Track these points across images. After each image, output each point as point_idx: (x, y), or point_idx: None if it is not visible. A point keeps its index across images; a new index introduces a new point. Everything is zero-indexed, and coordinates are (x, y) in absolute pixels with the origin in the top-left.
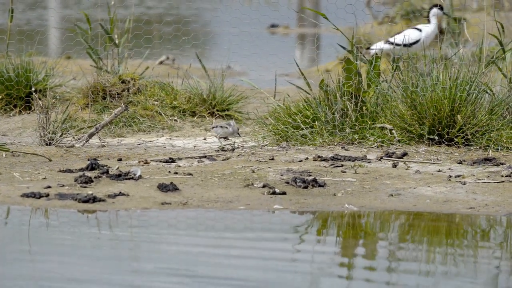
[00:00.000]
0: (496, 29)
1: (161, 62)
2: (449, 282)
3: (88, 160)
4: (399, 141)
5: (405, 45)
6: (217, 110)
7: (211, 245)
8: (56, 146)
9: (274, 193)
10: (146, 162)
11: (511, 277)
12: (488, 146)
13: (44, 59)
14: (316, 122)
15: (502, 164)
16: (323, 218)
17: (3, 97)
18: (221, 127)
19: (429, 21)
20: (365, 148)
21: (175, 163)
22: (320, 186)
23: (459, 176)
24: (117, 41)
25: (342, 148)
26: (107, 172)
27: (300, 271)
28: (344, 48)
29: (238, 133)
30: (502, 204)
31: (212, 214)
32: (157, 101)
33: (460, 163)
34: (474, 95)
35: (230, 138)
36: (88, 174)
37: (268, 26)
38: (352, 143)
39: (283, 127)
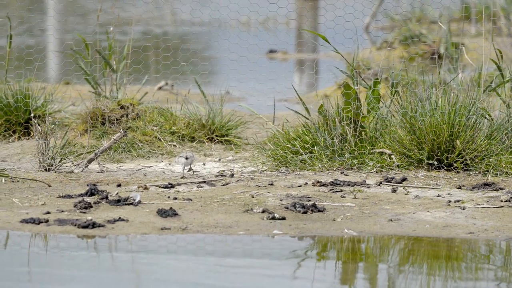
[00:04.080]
0: (495, 54)
1: (160, 88)
2: None
3: (88, 185)
4: (398, 166)
5: None
6: (216, 136)
7: (211, 270)
8: (55, 172)
9: (273, 218)
10: (146, 188)
11: None
12: (488, 171)
13: (43, 85)
14: (315, 147)
15: (502, 189)
16: (322, 243)
17: (2, 123)
18: (192, 156)
19: None
20: (364, 173)
21: (174, 189)
22: (319, 211)
23: (458, 201)
24: (115, 67)
25: (341, 173)
26: (106, 197)
27: None
28: (344, 72)
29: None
30: (501, 229)
31: (211, 239)
32: (156, 126)
33: (460, 188)
34: (473, 120)
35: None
36: (88, 199)
37: (266, 52)
38: (351, 168)
39: (282, 153)
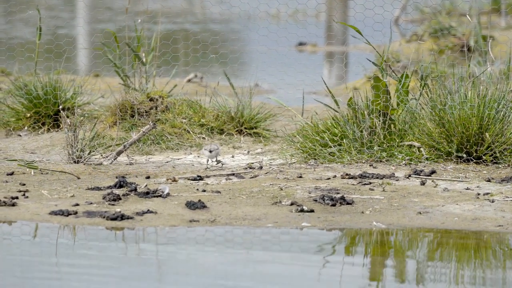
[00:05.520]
0: None
1: (189, 80)
2: None
3: (116, 177)
4: (427, 159)
5: None
6: (245, 128)
7: (240, 262)
8: (84, 164)
9: (302, 210)
10: (174, 180)
11: None
12: None
13: (72, 77)
14: (344, 140)
15: None
16: (351, 236)
17: (32, 115)
18: (216, 148)
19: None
20: (393, 166)
21: (203, 181)
22: (348, 203)
23: (487, 194)
24: (144, 59)
25: (370, 165)
26: (135, 189)
27: None
28: (375, 64)
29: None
30: None
31: (240, 232)
32: (185, 119)
33: (489, 181)
34: (502, 113)
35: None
36: (116, 191)
37: (296, 44)
38: (380, 161)
39: (311, 145)
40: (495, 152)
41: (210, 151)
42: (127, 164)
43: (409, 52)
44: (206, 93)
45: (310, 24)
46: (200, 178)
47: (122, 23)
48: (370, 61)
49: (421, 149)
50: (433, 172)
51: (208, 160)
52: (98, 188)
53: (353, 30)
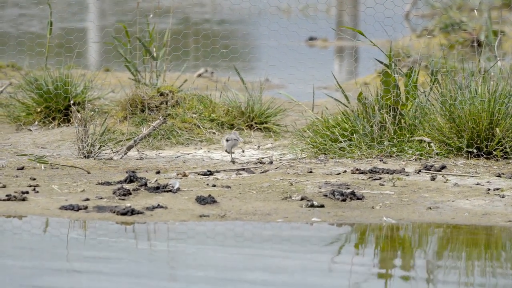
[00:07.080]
0: None
1: (199, 75)
2: None
3: (127, 172)
4: (437, 154)
5: None
6: (255, 123)
7: (250, 257)
8: (94, 159)
9: (312, 205)
10: (185, 175)
11: None
12: None
13: (83, 72)
14: (354, 135)
15: None
16: (361, 231)
17: (42, 110)
18: (235, 139)
19: None
20: (403, 161)
21: (213, 176)
22: (358, 199)
23: (497, 189)
24: (155, 54)
25: (380, 161)
26: (145, 184)
27: (339, 284)
28: (381, 62)
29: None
30: None
31: (250, 227)
32: (196, 113)
33: (499, 176)
34: None
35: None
36: (127, 186)
37: (306, 39)
38: (391, 156)
39: (321, 140)
40: (505, 147)
41: (227, 140)
42: (137, 159)
43: (420, 47)
44: (216, 88)
45: (320, 19)
46: (210, 173)
47: (133, 18)
48: (378, 60)
49: (431, 144)
50: (443, 167)
51: (227, 150)
52: (108, 183)
53: (363, 26)
